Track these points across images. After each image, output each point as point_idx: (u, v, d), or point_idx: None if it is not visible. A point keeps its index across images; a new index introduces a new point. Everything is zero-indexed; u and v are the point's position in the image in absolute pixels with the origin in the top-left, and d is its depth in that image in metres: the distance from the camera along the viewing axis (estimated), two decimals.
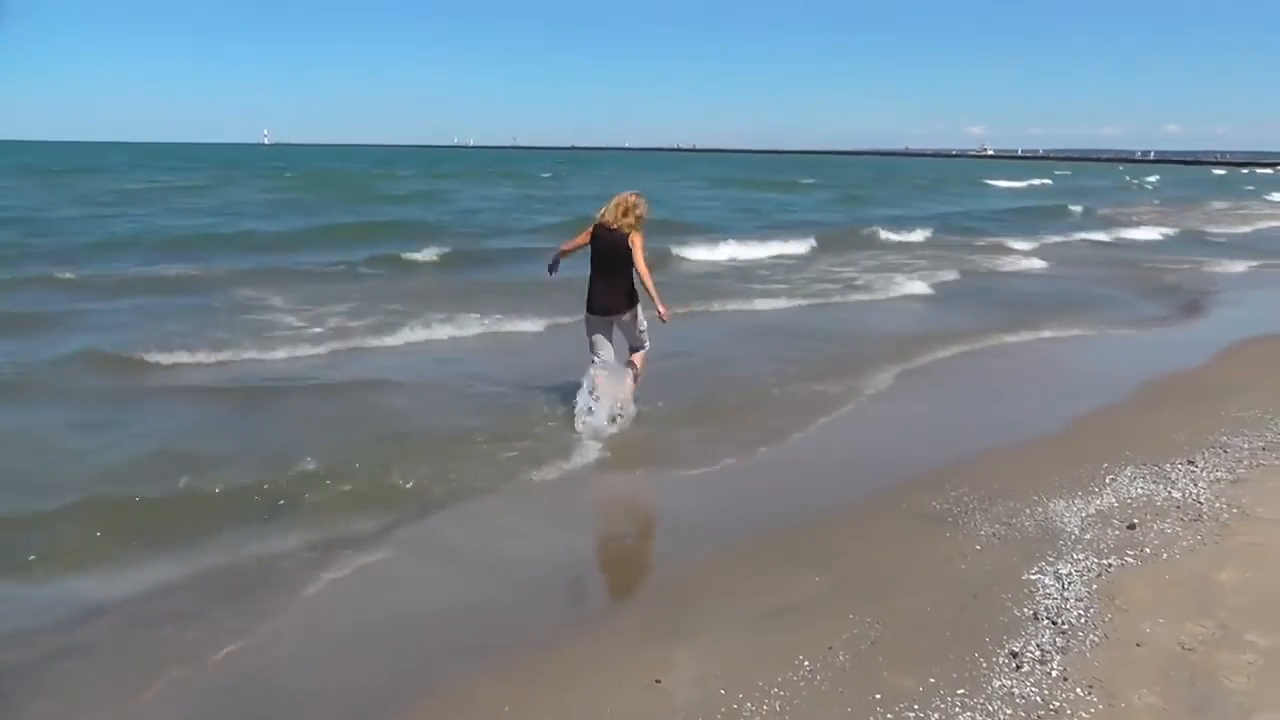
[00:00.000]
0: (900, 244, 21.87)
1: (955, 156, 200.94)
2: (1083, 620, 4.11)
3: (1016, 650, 3.88)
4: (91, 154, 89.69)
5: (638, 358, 7.36)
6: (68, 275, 13.72)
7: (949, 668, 3.76)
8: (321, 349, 9.58)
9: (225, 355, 9.11)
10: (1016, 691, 3.58)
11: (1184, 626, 4.02)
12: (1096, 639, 3.95)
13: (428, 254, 17.01)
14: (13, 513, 5.20)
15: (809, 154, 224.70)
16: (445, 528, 5.32)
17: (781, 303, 13.11)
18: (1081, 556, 4.77)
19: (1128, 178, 74.26)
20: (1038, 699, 3.52)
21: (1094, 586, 4.44)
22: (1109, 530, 5.12)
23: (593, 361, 7.16)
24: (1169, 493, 5.66)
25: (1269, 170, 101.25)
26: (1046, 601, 4.31)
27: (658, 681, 3.71)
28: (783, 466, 6.52)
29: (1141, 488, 5.77)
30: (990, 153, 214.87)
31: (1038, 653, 3.86)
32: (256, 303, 12.14)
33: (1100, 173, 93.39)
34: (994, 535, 5.10)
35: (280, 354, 9.32)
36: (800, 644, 3.96)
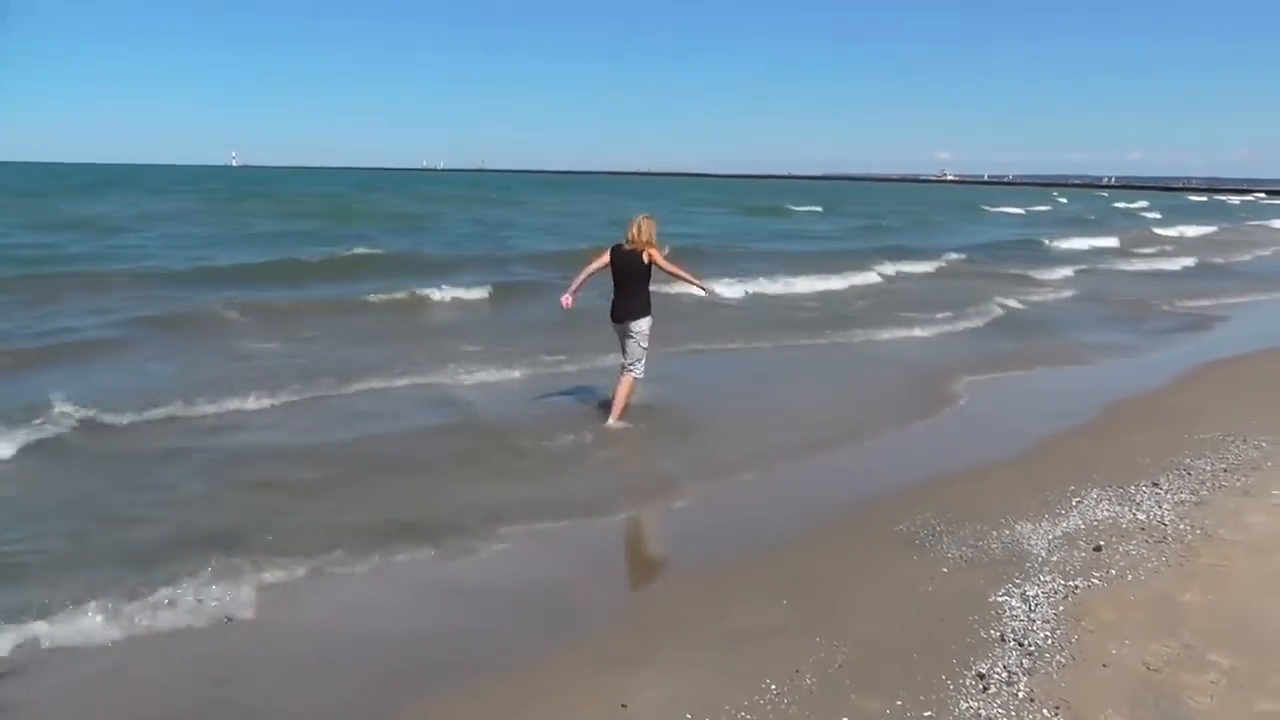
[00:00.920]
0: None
1: (923, 181, 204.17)
2: (1049, 642, 4.18)
3: (984, 672, 3.93)
4: (59, 175, 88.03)
5: (627, 381, 7.97)
6: None
7: (916, 690, 3.79)
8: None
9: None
10: (984, 713, 3.62)
11: (1149, 647, 4.09)
12: (1063, 660, 4.01)
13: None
14: None
15: (776, 179, 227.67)
16: (412, 555, 5.29)
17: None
18: (1048, 578, 4.85)
19: (1120, 204, 75.57)
20: None
21: (1061, 608, 4.51)
22: (1075, 552, 5.20)
23: (622, 365, 8.06)
24: (1134, 515, 5.76)
25: (1237, 198, 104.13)
26: (1013, 623, 4.37)
27: (624, 706, 3.71)
28: (749, 490, 6.57)
29: (1107, 510, 5.87)
30: (950, 178, 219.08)
31: (1005, 674, 3.91)
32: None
33: (1088, 199, 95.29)
34: (961, 558, 5.17)
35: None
36: (767, 668, 3.98)
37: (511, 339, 11.33)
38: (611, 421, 7.83)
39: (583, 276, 8.01)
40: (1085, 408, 8.66)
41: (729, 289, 15.32)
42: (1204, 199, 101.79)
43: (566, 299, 7.94)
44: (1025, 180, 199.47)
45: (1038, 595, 4.64)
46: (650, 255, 7.78)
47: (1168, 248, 31.26)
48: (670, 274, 7.96)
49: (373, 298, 14.09)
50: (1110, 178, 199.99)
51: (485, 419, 7.92)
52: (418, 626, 4.56)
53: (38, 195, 46.66)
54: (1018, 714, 3.60)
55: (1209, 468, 6.66)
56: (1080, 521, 5.68)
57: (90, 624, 4.33)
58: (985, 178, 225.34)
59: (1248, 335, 13.04)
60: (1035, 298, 17.01)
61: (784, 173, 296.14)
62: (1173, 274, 22.81)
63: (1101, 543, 5.30)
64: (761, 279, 17.34)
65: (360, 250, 20.74)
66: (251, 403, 8.13)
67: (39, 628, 4.26)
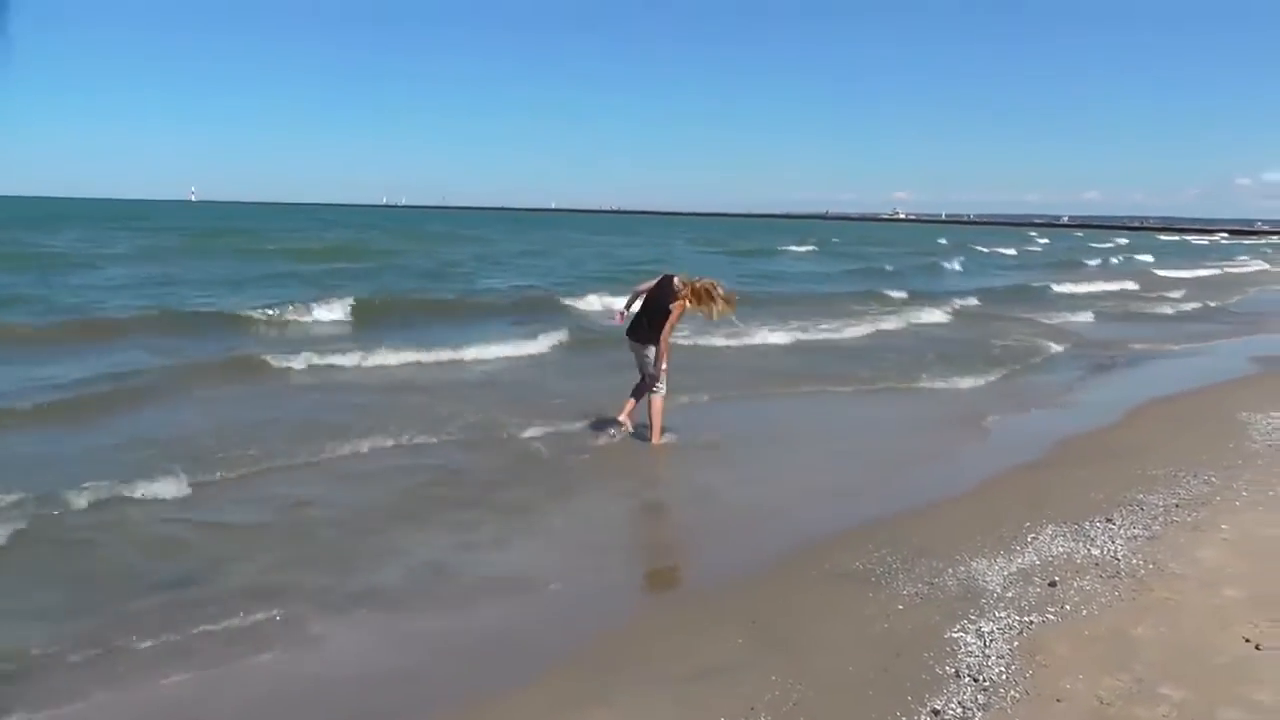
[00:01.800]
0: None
1: (880, 220, 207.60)
2: (1004, 677, 4.24)
3: (939, 708, 3.98)
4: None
5: (656, 402, 8.65)
6: None
7: None
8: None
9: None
10: None
11: (1102, 681, 4.17)
12: (1017, 695, 4.08)
13: None
14: None
15: (737, 217, 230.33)
16: (367, 595, 5.27)
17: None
18: (1003, 614, 4.92)
19: (1095, 244, 77.21)
20: None
21: (1015, 643, 4.58)
22: (1030, 588, 5.29)
23: (645, 379, 8.76)
24: (1088, 550, 5.87)
25: (1205, 239, 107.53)
26: (968, 659, 4.43)
27: None
28: (703, 526, 6.62)
29: (1062, 546, 5.97)
30: (902, 216, 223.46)
31: (959, 710, 3.96)
32: None
33: (1066, 238, 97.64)
34: (917, 594, 5.24)
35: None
36: (723, 706, 4.00)
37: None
38: (656, 441, 8.54)
39: (631, 296, 8.86)
40: (1039, 444, 8.84)
41: (774, 333, 15.53)
42: (1175, 239, 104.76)
43: (620, 315, 8.96)
44: (987, 220, 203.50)
45: (993, 631, 4.72)
46: (674, 308, 8.45)
47: (1174, 293, 30.09)
48: (660, 339, 8.49)
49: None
50: (1066, 217, 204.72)
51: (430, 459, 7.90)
52: (371, 668, 4.53)
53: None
54: None
55: (1161, 503, 6.81)
56: (1035, 557, 5.78)
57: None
58: (943, 216, 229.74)
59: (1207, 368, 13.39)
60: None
61: (744, 211, 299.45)
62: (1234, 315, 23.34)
63: (1056, 578, 5.40)
64: (795, 322, 17.24)
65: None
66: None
67: None
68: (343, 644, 4.76)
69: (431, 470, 7.57)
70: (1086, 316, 21.26)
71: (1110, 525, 6.32)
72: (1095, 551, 5.84)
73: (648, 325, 8.58)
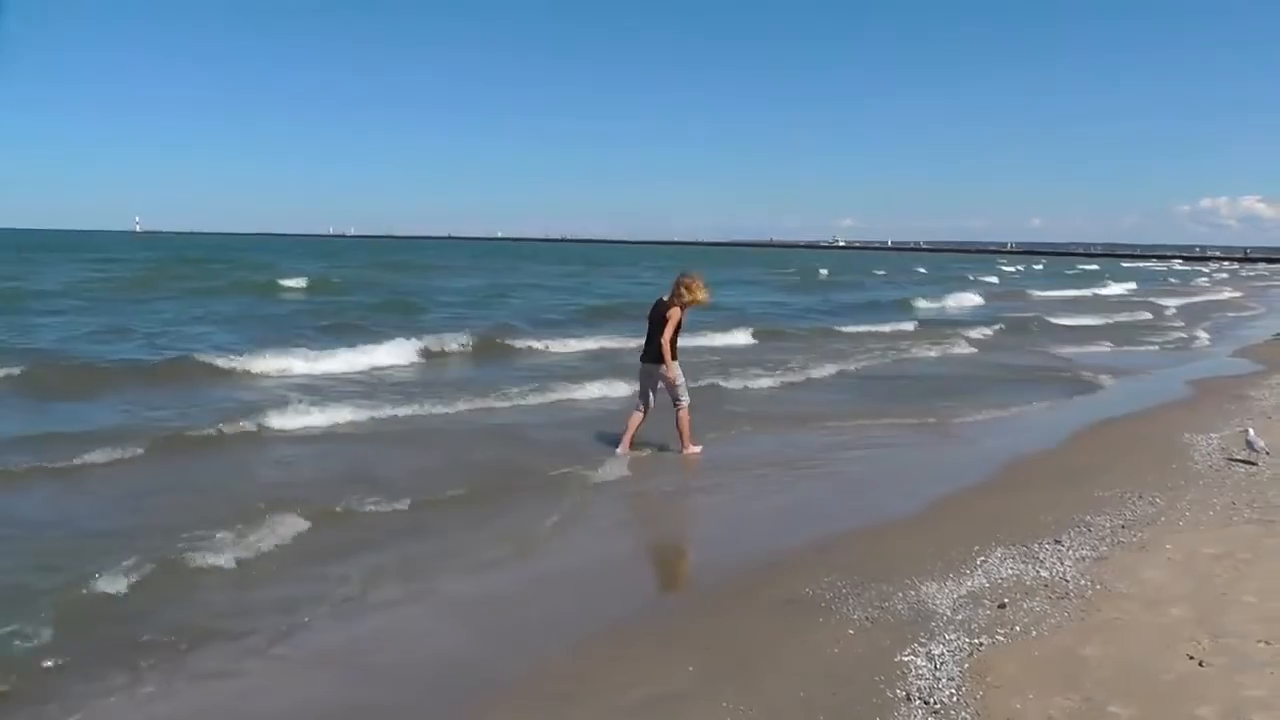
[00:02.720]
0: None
1: (820, 248, 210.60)
2: (955, 699, 4.30)
3: None
4: None
5: (681, 414, 9.34)
6: None
7: None
8: None
9: None
10: None
11: (1052, 700, 4.25)
12: (968, 716, 4.14)
13: None
14: None
15: (675, 245, 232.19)
16: (316, 630, 5.22)
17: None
18: (953, 636, 4.99)
19: (1069, 271, 78.90)
20: None
21: (966, 665, 4.65)
22: (980, 610, 5.38)
23: (637, 398, 9.54)
24: (1037, 572, 5.99)
25: (1161, 264, 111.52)
26: (919, 682, 4.49)
27: None
28: (650, 552, 6.64)
29: (1011, 568, 6.08)
30: (841, 244, 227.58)
31: None
32: None
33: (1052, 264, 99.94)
34: (867, 619, 5.29)
35: None
36: None
37: None
38: (687, 451, 9.33)
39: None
40: (986, 467, 9.03)
41: (820, 369, 15.59)
42: (1139, 265, 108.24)
43: None
44: (934, 246, 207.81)
45: (943, 654, 4.78)
46: (670, 315, 9.15)
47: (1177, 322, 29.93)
48: (665, 342, 9.12)
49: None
50: (1011, 244, 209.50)
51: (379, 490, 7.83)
52: (321, 704, 4.48)
53: None
54: None
55: (1108, 524, 6.96)
56: (985, 580, 5.88)
57: None
58: (889, 244, 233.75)
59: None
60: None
61: (688, 239, 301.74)
62: None
63: (1006, 600, 5.49)
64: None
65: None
66: None
67: None
68: (293, 678, 4.71)
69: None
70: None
71: (1059, 547, 6.45)
72: (1044, 573, 5.96)
73: (651, 343, 9.35)
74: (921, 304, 34.09)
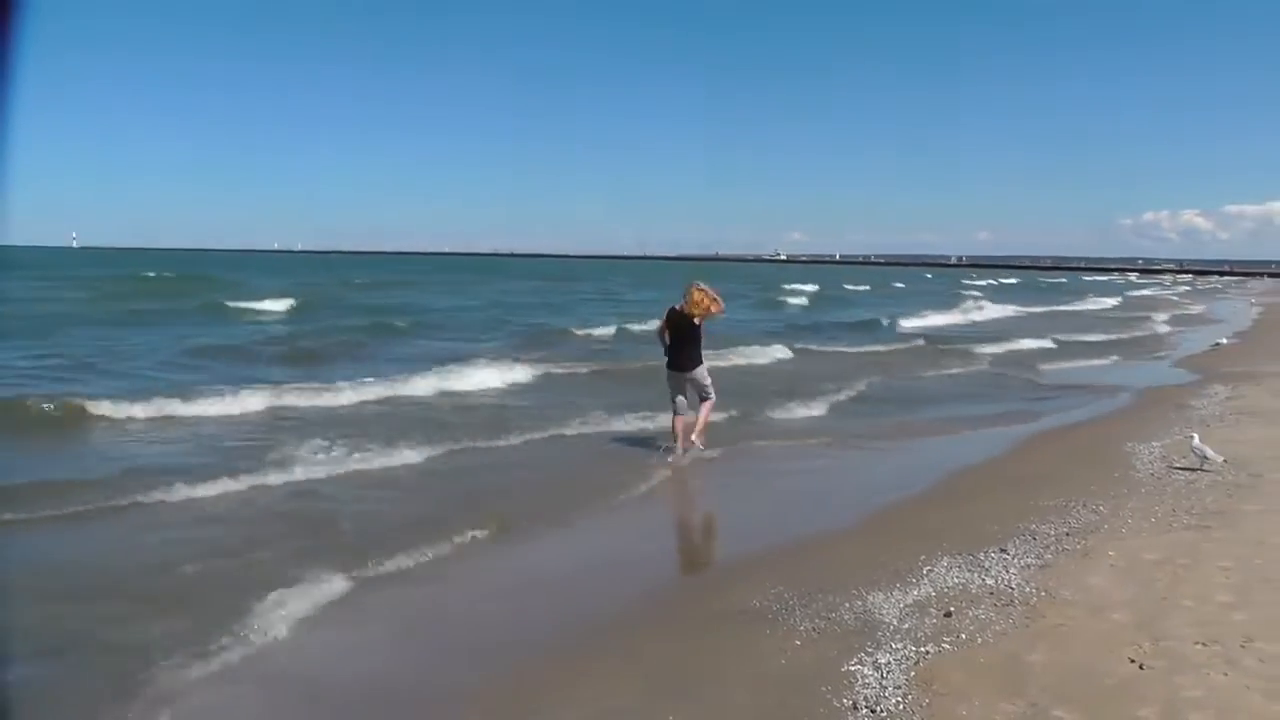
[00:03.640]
0: None
1: (765, 262, 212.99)
2: (901, 707, 4.38)
3: None
4: None
5: (706, 405, 10.26)
6: None
7: None
8: None
9: None
10: None
11: (998, 706, 4.34)
12: None
13: None
14: None
15: (619, 259, 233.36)
16: (269, 653, 5.17)
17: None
18: (900, 645, 5.08)
19: (1045, 281, 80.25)
20: None
21: (912, 674, 4.73)
22: (926, 619, 5.47)
23: (673, 405, 10.25)
24: (983, 580, 6.11)
25: (1121, 277, 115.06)
26: (865, 691, 4.56)
27: None
28: (597, 566, 6.69)
29: (957, 577, 6.20)
30: (783, 257, 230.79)
31: None
32: None
33: (1026, 276, 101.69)
34: (814, 630, 5.37)
35: None
36: None
37: None
38: (696, 439, 10.07)
39: (663, 336, 10.42)
40: (930, 478, 9.21)
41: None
42: (1104, 279, 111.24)
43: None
44: (885, 260, 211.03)
45: (889, 662, 4.86)
46: (699, 322, 10.20)
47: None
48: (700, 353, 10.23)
49: None
50: (962, 257, 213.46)
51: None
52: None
53: None
54: None
55: (1052, 532, 7.13)
56: (931, 589, 5.98)
57: None
58: (837, 257, 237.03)
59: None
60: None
61: (638, 253, 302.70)
62: None
63: (952, 608, 5.60)
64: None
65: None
66: None
67: None
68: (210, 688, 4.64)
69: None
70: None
71: (1004, 555, 6.59)
72: (990, 581, 6.08)
73: (687, 353, 10.23)
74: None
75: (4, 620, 4.81)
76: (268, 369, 16.38)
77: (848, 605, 5.71)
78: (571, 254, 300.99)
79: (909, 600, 5.78)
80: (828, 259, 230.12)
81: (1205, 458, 9.00)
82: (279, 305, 32.99)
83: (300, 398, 12.83)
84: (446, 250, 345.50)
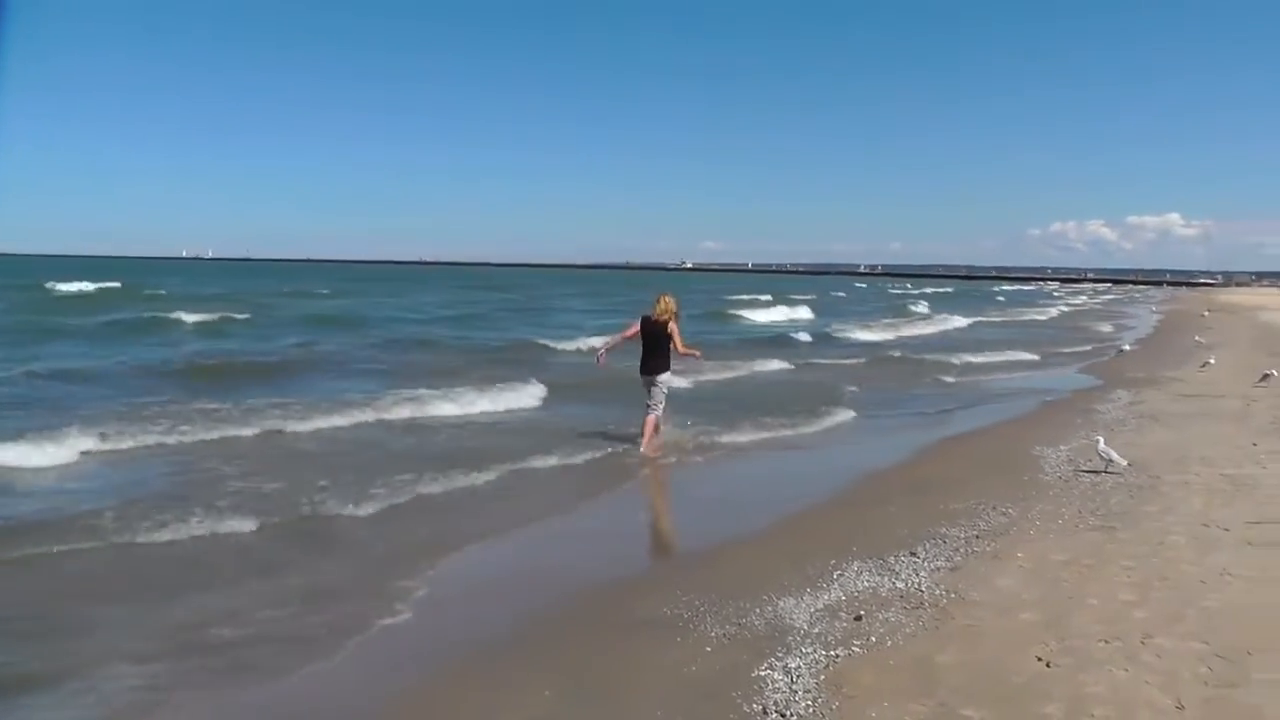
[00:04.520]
0: None
1: (670, 270, 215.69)
2: (811, 710, 4.42)
3: None
4: None
5: (651, 419, 10.85)
6: None
7: None
8: None
9: None
10: None
11: (907, 707, 4.41)
12: None
13: None
14: None
15: (542, 267, 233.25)
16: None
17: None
18: (810, 650, 5.14)
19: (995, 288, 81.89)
20: None
21: (822, 677, 4.79)
22: (837, 623, 5.55)
23: (647, 406, 10.95)
24: (893, 583, 6.22)
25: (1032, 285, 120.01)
26: (776, 696, 4.60)
27: None
28: (506, 575, 6.66)
29: (867, 580, 6.30)
30: (689, 266, 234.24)
31: None
32: None
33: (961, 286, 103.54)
34: (725, 636, 5.40)
35: None
36: None
37: None
38: (645, 448, 10.65)
39: (616, 339, 11.64)
40: (842, 482, 9.38)
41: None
42: (1033, 288, 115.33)
43: (601, 357, 11.81)
44: (803, 269, 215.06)
45: (799, 667, 4.91)
46: (673, 329, 11.01)
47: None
48: (678, 347, 11.06)
49: None
50: (879, 266, 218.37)
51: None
52: None
53: None
54: None
55: (962, 535, 7.29)
56: (841, 593, 6.07)
57: None
58: (749, 266, 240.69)
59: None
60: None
61: (544, 261, 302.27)
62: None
63: (862, 612, 5.68)
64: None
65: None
66: None
67: None
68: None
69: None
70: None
71: (914, 558, 6.72)
72: (900, 584, 6.19)
73: (655, 359, 10.99)
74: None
75: None
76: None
77: (758, 611, 5.76)
78: (480, 262, 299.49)
79: (819, 605, 5.86)
80: (739, 267, 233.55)
81: (1110, 461, 9.32)
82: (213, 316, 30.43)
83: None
84: (360, 258, 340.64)
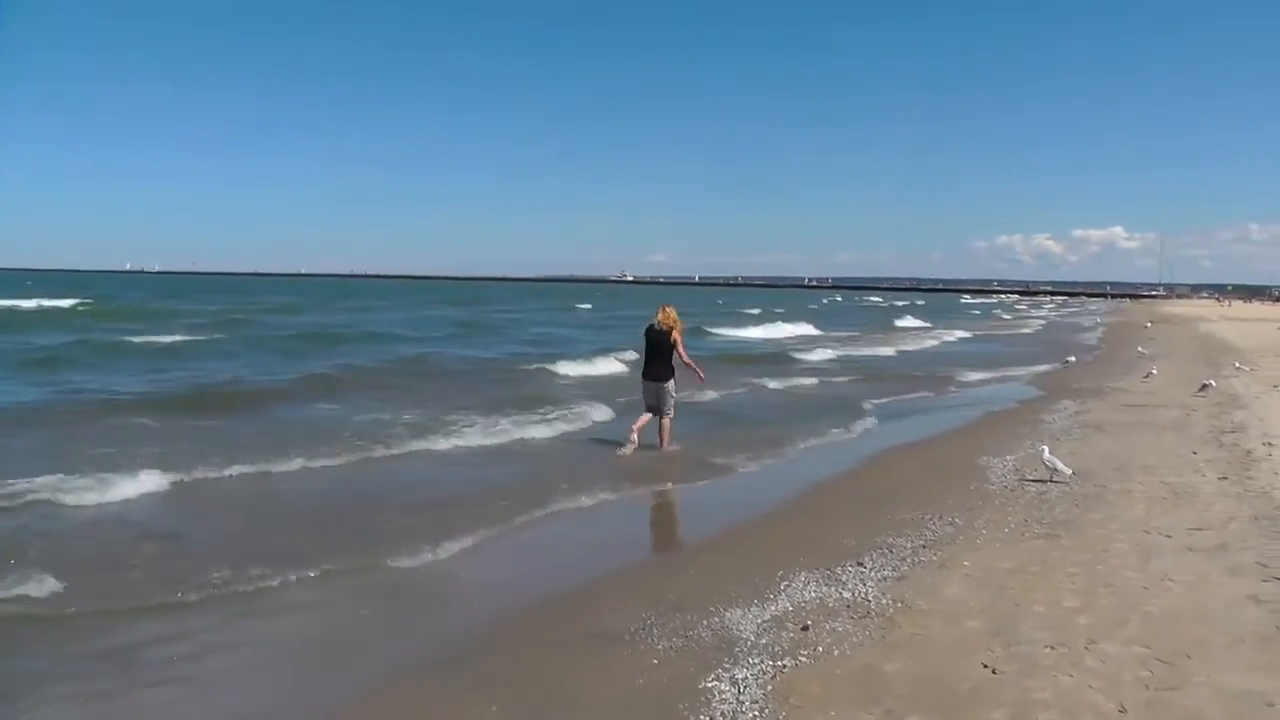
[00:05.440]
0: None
1: (611, 282, 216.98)
2: None
3: None
4: None
5: (665, 422, 11.92)
6: None
7: None
8: None
9: None
10: None
11: (855, 716, 4.46)
12: None
13: None
14: None
15: (487, 280, 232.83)
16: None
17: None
18: (757, 660, 5.17)
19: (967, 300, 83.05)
20: None
21: (769, 688, 4.82)
22: (784, 633, 5.59)
23: (647, 409, 12.04)
24: (840, 593, 6.28)
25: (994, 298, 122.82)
26: (723, 707, 4.63)
27: None
28: (452, 588, 6.65)
29: (814, 591, 6.36)
30: (629, 278, 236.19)
31: None
32: None
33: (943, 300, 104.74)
34: (672, 648, 5.42)
35: None
36: None
37: None
38: (665, 448, 11.75)
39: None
40: (788, 494, 9.47)
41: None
42: (995, 301, 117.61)
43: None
44: (758, 281, 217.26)
45: (746, 677, 4.94)
46: (675, 338, 11.99)
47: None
48: (681, 356, 12.03)
49: None
50: (829, 279, 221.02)
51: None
52: None
53: None
54: None
55: (909, 545, 7.38)
56: (789, 604, 6.12)
57: None
58: (696, 279, 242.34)
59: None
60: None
61: (487, 274, 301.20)
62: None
63: (809, 622, 5.73)
64: None
65: None
66: None
67: None
68: None
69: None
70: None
71: (861, 568, 6.79)
72: (847, 594, 6.25)
73: (659, 365, 11.94)
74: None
75: None
76: None
77: (705, 623, 5.78)
78: (422, 275, 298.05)
79: (766, 616, 5.90)
80: (686, 280, 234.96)
81: (1055, 470, 9.49)
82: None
83: None
84: (300, 272, 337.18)
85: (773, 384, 19.57)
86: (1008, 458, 10.89)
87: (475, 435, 12.31)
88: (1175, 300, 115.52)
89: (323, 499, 9.03)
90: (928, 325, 49.72)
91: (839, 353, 28.82)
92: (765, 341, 36.05)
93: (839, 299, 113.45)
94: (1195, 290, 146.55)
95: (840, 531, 7.82)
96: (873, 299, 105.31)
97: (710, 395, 16.39)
